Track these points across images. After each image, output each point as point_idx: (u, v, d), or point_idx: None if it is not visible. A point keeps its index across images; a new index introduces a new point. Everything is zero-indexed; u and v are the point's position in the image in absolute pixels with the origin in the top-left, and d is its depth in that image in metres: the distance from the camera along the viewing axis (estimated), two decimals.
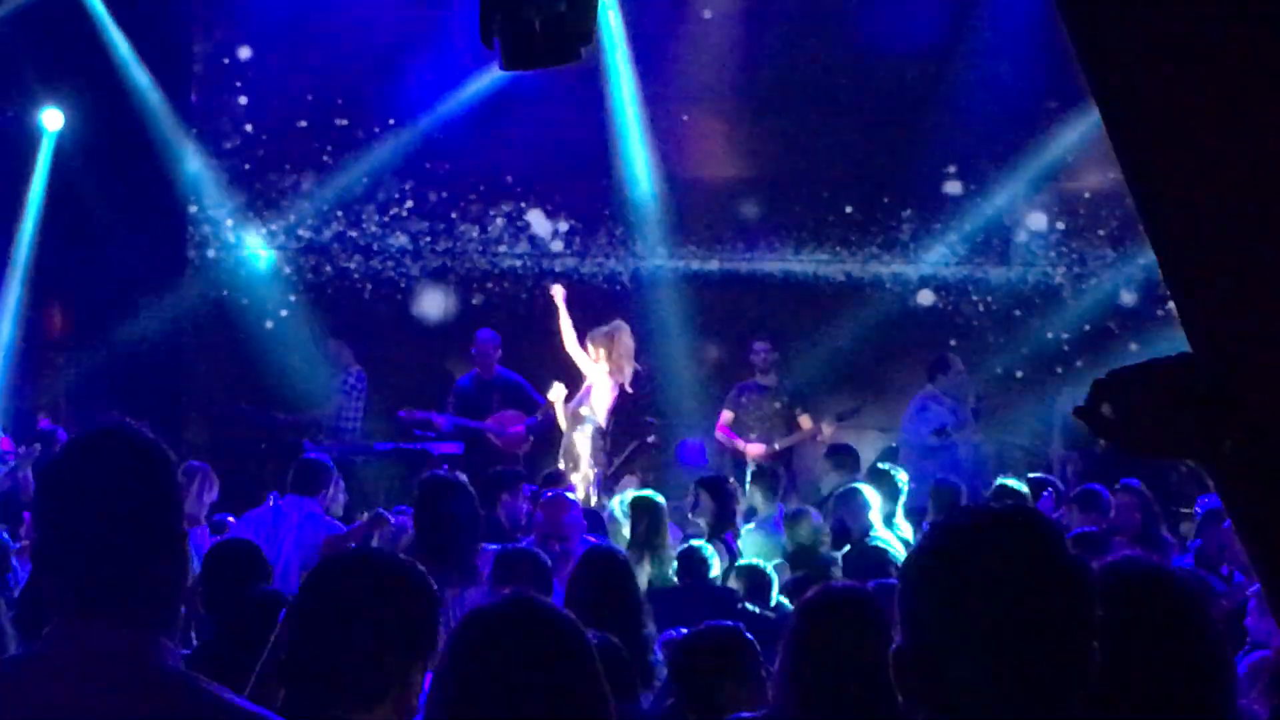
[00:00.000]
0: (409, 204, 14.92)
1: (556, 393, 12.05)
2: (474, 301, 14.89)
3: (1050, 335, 14.53)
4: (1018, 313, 14.72)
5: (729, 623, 4.86)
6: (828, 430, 12.56)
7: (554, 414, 12.13)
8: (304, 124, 14.70)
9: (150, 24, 13.65)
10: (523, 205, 14.88)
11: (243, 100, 14.65)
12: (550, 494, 8.46)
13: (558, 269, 14.68)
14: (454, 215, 14.92)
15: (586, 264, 14.83)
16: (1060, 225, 14.79)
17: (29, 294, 13.44)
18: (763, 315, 14.22)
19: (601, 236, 14.89)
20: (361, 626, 2.70)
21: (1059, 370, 14.18)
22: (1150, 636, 2.26)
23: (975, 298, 14.84)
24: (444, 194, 14.86)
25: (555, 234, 14.95)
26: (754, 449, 12.50)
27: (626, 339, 12.04)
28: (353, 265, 14.90)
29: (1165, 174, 1.74)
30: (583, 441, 11.74)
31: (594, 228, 14.89)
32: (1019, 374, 14.40)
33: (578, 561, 6.29)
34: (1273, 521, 1.92)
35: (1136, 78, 1.75)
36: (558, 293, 12.40)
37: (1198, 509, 9.89)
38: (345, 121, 14.67)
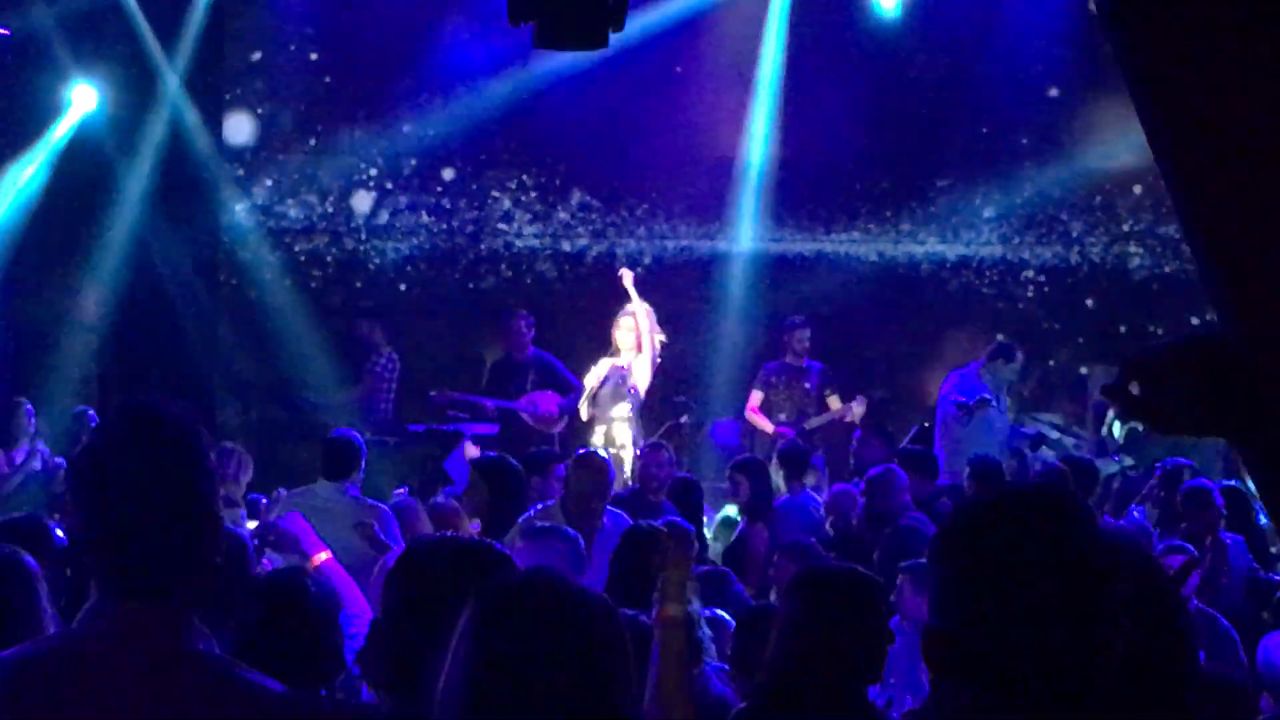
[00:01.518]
0: (432, 184, 14.92)
1: (593, 379, 12.03)
2: (487, 285, 14.86)
3: (1106, 318, 14.43)
4: (1089, 301, 14.62)
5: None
6: (858, 411, 12.51)
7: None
8: (329, 107, 14.72)
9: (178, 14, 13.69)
10: (544, 183, 14.86)
11: (269, 84, 14.68)
12: (583, 451, 8.52)
13: (573, 249, 14.70)
14: (476, 196, 14.91)
15: (607, 243, 14.79)
16: (1099, 201, 14.69)
17: (59, 275, 13.46)
18: (793, 295, 14.18)
19: (623, 214, 14.84)
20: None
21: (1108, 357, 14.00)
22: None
23: (1025, 277, 14.74)
24: (464, 174, 14.87)
25: (577, 213, 14.92)
26: (783, 430, 12.45)
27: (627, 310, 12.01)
28: (376, 247, 14.90)
29: (1188, 154, 1.74)
30: (623, 429, 11.72)
31: (614, 206, 14.85)
32: (1083, 368, 14.27)
33: (619, 539, 6.29)
34: None
35: (1163, 61, 1.74)
36: (626, 276, 12.26)
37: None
38: (369, 106, 14.69)
